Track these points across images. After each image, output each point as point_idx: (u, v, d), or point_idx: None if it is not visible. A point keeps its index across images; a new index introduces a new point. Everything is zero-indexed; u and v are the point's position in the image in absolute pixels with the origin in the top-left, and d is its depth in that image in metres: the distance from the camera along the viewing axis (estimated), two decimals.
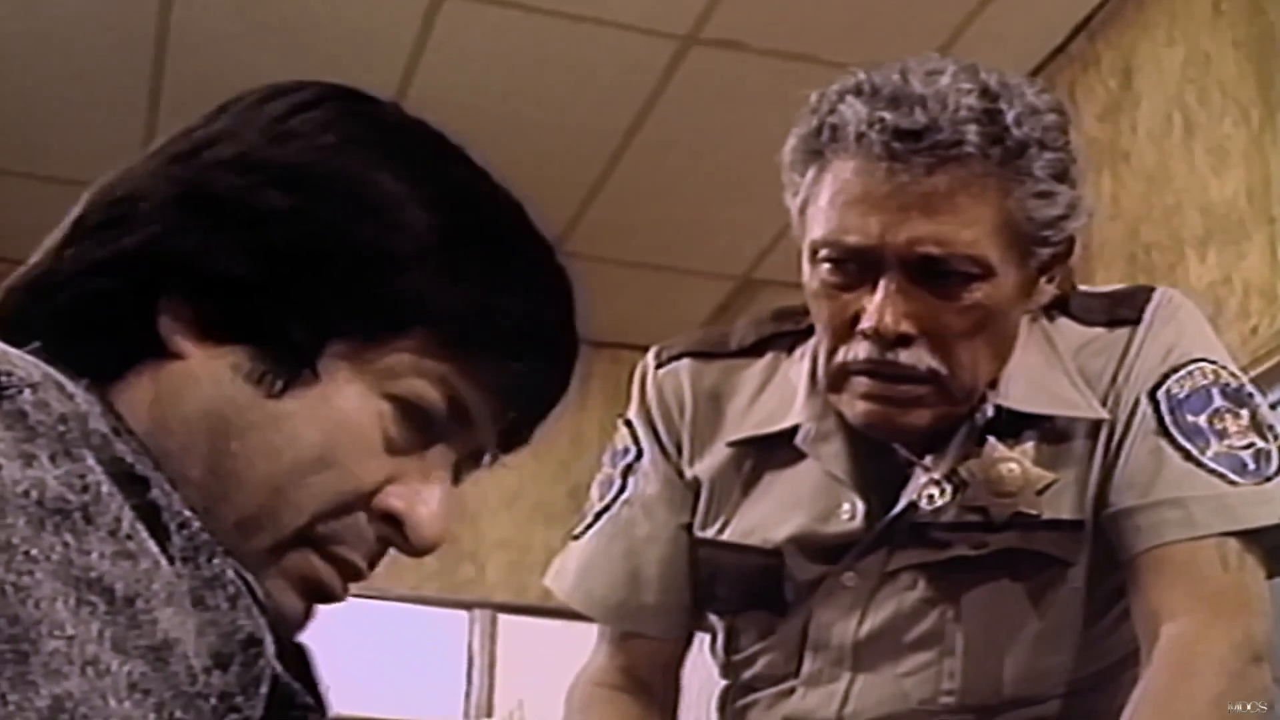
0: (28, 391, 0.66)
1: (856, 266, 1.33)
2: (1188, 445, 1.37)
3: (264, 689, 0.69)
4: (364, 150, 0.82)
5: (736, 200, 4.10)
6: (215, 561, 0.69)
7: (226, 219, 0.79)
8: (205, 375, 0.78)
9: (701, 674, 1.62)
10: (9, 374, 0.66)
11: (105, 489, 0.65)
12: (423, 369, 0.80)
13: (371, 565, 0.83)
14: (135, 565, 0.64)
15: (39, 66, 3.71)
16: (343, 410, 0.79)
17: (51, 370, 0.69)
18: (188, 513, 0.69)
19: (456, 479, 0.86)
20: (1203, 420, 1.38)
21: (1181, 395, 1.39)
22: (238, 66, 3.70)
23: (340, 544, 0.81)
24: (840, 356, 1.37)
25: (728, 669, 1.55)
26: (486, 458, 0.87)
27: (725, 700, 1.57)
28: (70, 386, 0.68)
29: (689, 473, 1.53)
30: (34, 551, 0.61)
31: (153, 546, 0.66)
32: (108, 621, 0.61)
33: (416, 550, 0.82)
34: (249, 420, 0.78)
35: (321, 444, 0.78)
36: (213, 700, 0.66)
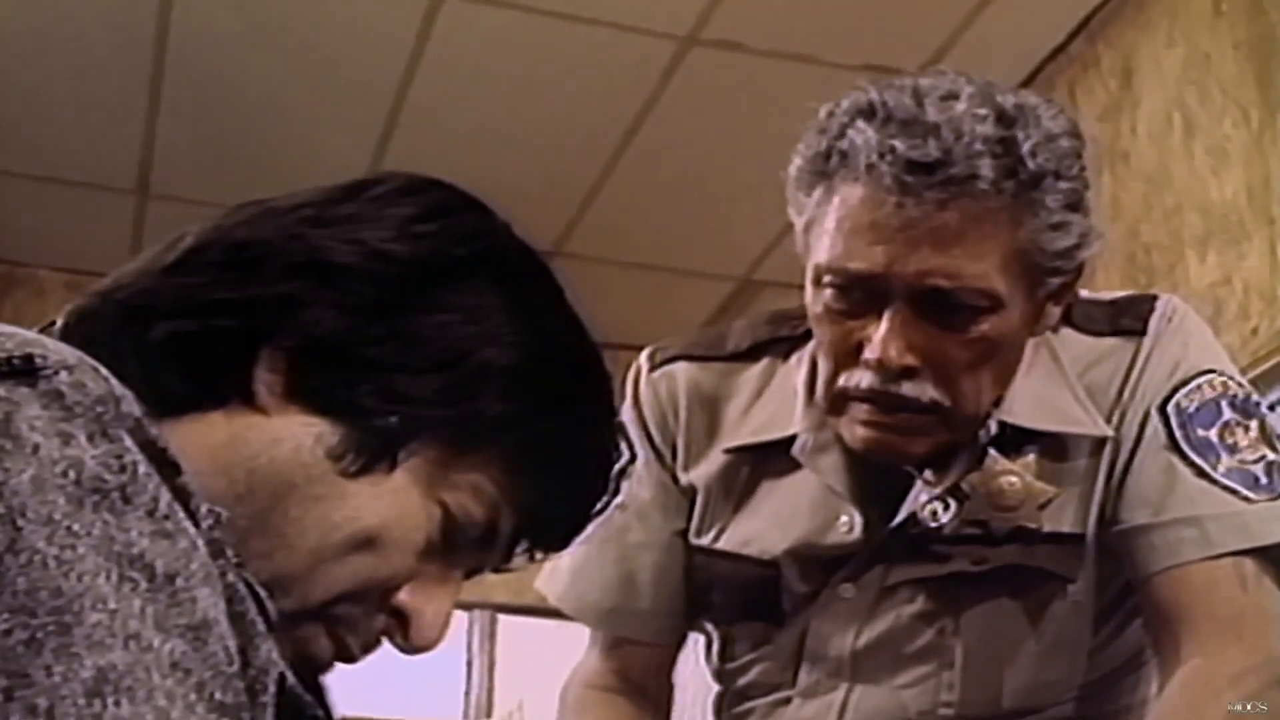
0: (64, 373, 0.66)
1: (862, 294, 1.31)
2: (1200, 461, 1.36)
3: (263, 699, 0.68)
4: (490, 270, 0.85)
5: (736, 201, 4.10)
6: (220, 561, 0.69)
7: (351, 296, 0.82)
8: (286, 437, 0.80)
9: (696, 679, 1.61)
10: (44, 355, 0.67)
11: (142, 469, 0.65)
12: (480, 489, 0.83)
13: (364, 653, 0.85)
14: (173, 545, 0.64)
15: (39, 66, 3.70)
16: (404, 505, 0.81)
17: (84, 355, 0.69)
18: (205, 508, 0.70)
19: None
20: (1213, 434, 1.37)
21: (1191, 409, 1.38)
22: (238, 66, 3.70)
23: (348, 626, 0.83)
24: (842, 382, 1.35)
25: (722, 676, 1.55)
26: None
27: (720, 707, 1.56)
28: (104, 370, 0.69)
29: (683, 478, 1.52)
30: (76, 527, 0.62)
31: (190, 527, 0.66)
32: (148, 599, 0.62)
33: (413, 649, 0.85)
34: (316, 492, 0.79)
35: (376, 529, 0.81)
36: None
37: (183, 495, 0.68)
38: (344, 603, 0.81)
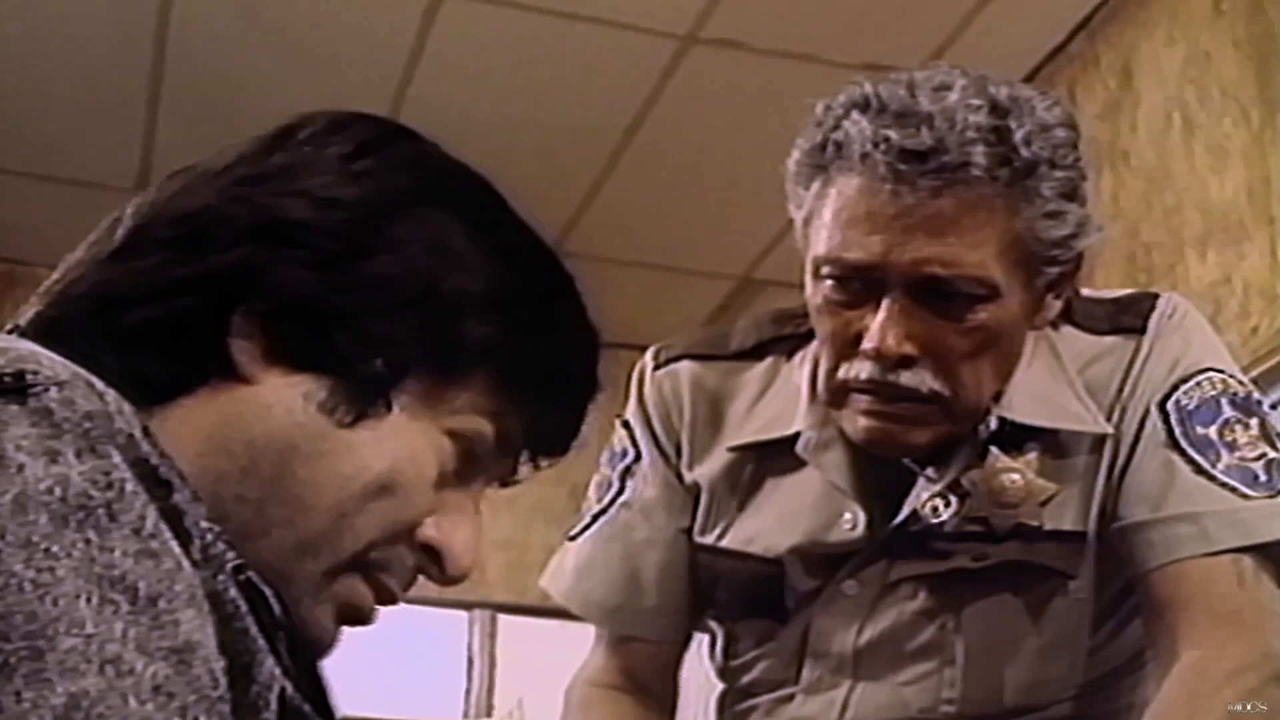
0: (54, 389, 0.66)
1: (860, 284, 1.32)
2: (1199, 458, 1.36)
3: (265, 715, 0.68)
4: (437, 196, 0.85)
5: (736, 200, 4.10)
6: (220, 578, 0.69)
7: (309, 250, 0.81)
8: (276, 402, 0.79)
9: (700, 676, 1.61)
10: (35, 372, 0.66)
11: (130, 487, 0.65)
12: (482, 408, 0.84)
13: (404, 592, 0.86)
14: (158, 565, 0.64)
15: (39, 66, 3.71)
16: (410, 443, 0.81)
17: (81, 370, 0.68)
18: (204, 523, 0.69)
19: None
20: (1213, 432, 1.37)
21: (1191, 407, 1.38)
22: (238, 66, 3.70)
23: (385, 571, 0.83)
24: (842, 374, 1.35)
25: (725, 673, 1.55)
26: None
27: (723, 704, 1.56)
28: (100, 385, 0.68)
29: (688, 476, 1.52)
30: (55, 549, 0.61)
31: (175, 547, 0.66)
32: (131, 621, 0.61)
33: (450, 579, 0.86)
34: (319, 448, 0.79)
35: (388, 473, 0.80)
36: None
37: (174, 515, 0.67)
38: (375, 549, 0.82)
